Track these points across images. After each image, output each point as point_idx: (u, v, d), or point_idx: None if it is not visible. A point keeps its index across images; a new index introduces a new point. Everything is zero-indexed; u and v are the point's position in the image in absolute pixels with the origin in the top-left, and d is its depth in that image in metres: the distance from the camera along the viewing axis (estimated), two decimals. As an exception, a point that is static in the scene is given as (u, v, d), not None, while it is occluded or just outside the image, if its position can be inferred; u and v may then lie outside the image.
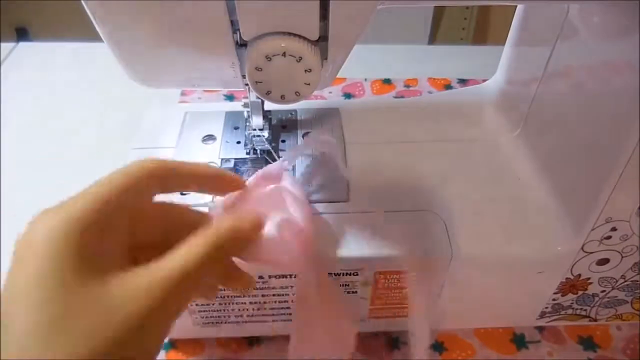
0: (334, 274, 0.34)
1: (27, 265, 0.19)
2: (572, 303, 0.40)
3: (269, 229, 0.27)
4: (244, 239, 0.25)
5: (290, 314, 0.38)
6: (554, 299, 0.39)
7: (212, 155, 0.39)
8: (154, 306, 0.19)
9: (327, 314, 0.30)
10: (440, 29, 1.46)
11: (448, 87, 0.66)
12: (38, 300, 0.18)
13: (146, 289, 0.20)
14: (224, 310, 0.37)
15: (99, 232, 0.21)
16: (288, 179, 0.32)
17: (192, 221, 0.27)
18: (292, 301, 0.36)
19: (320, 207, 0.36)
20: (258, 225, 0.26)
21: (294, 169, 0.38)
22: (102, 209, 0.21)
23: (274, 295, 0.36)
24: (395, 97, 0.64)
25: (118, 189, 0.22)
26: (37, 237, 0.19)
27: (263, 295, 0.36)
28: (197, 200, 0.34)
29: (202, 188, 0.28)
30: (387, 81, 0.67)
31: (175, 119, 0.43)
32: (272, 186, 0.32)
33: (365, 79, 0.67)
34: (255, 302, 0.37)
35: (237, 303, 0.37)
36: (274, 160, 0.35)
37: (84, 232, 0.20)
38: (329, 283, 0.32)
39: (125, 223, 0.22)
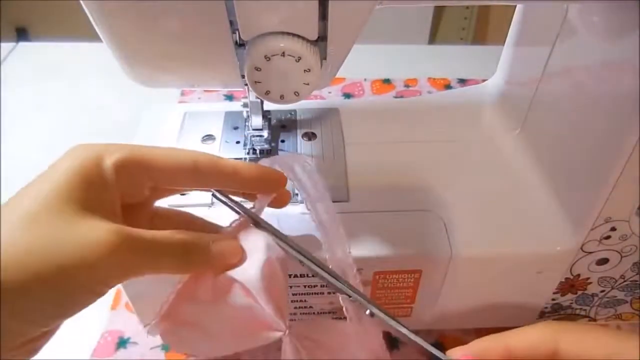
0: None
1: (43, 180, 0.23)
2: (571, 303, 0.40)
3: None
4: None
5: (290, 314, 0.38)
6: (553, 299, 0.39)
7: (212, 155, 0.39)
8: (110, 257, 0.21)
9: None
10: (440, 29, 1.46)
11: (448, 87, 0.66)
12: (28, 212, 0.21)
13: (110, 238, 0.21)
14: (224, 310, 0.37)
15: (106, 188, 0.23)
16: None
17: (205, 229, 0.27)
18: (291, 301, 0.36)
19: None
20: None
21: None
22: (132, 169, 0.24)
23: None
24: (395, 97, 0.64)
25: (160, 162, 0.25)
26: (64, 163, 0.23)
27: (263, 295, 0.36)
28: (197, 200, 0.34)
29: (244, 188, 0.28)
30: (387, 81, 0.67)
31: (175, 119, 0.43)
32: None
33: (365, 79, 0.67)
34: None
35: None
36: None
37: (92, 184, 0.22)
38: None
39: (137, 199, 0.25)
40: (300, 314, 0.37)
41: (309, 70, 0.28)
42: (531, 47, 0.41)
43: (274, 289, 0.26)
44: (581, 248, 0.35)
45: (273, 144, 0.40)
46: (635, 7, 0.28)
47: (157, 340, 0.40)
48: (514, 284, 0.37)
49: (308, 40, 0.27)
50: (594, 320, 0.42)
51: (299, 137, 0.42)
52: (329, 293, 0.36)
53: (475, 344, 0.24)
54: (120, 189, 0.24)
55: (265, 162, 0.30)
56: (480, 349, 0.23)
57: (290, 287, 0.35)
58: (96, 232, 0.21)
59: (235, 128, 0.42)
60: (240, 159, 0.39)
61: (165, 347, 0.40)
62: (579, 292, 0.39)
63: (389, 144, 0.42)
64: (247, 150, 0.40)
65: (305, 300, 0.36)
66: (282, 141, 0.41)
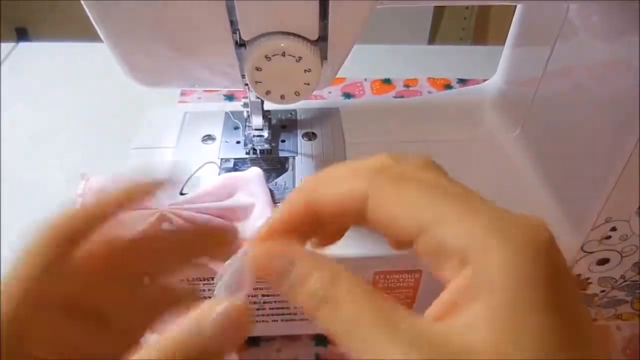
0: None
1: None
2: (572, 303, 0.40)
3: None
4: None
5: (290, 314, 0.38)
6: (553, 299, 0.39)
7: (212, 155, 0.39)
8: None
9: None
10: (440, 29, 1.46)
11: (448, 87, 0.66)
12: None
13: None
14: (224, 310, 0.37)
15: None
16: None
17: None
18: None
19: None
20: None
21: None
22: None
23: (273, 295, 0.36)
24: (395, 97, 0.64)
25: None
26: None
27: (263, 295, 0.36)
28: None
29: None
30: (387, 81, 0.67)
31: (175, 119, 0.43)
32: None
33: (365, 79, 0.67)
34: (255, 302, 0.37)
35: (237, 303, 0.37)
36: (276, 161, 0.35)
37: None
38: None
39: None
40: (300, 313, 0.37)
41: (310, 70, 0.28)
42: (531, 47, 0.41)
43: None
44: (581, 248, 0.35)
45: (273, 144, 0.40)
46: (635, 7, 0.28)
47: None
48: (514, 284, 0.37)
49: (308, 40, 0.27)
50: (595, 320, 0.42)
51: (299, 137, 0.42)
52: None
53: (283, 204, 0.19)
54: None
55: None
56: (286, 207, 0.18)
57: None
58: None
59: (236, 128, 0.42)
60: (241, 159, 0.39)
61: (165, 347, 0.40)
62: (579, 292, 0.39)
63: (389, 143, 0.42)
64: (247, 150, 0.40)
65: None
66: (283, 141, 0.41)
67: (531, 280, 0.14)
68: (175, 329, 0.16)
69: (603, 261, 0.36)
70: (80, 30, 0.51)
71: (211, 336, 0.16)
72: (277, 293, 0.35)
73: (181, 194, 0.35)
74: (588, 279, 0.37)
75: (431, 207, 0.16)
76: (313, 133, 0.42)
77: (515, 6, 0.42)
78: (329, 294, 0.15)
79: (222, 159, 0.39)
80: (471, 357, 0.13)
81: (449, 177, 0.19)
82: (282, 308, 0.37)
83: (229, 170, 0.38)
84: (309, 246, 0.20)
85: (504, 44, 0.45)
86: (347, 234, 0.34)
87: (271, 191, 0.36)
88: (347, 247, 0.33)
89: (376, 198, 0.17)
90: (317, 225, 0.18)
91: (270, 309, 0.37)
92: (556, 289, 0.15)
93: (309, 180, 0.19)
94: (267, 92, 0.30)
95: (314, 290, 0.16)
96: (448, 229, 0.16)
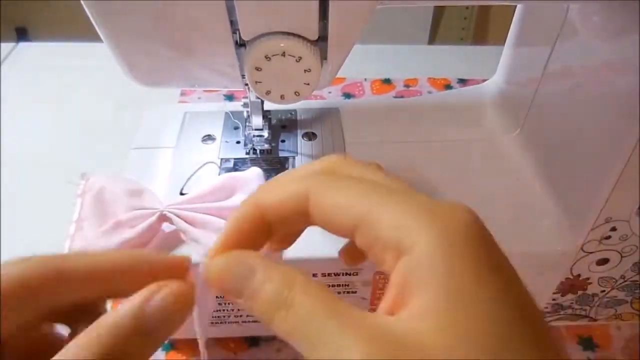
0: (334, 274, 0.34)
1: None
2: (571, 303, 0.40)
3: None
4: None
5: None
6: (553, 299, 0.39)
7: (212, 155, 0.39)
8: None
9: None
10: (440, 29, 1.46)
11: (448, 87, 0.66)
12: None
13: None
14: (224, 310, 0.37)
15: None
16: None
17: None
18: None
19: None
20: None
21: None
22: None
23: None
24: (395, 97, 0.64)
25: None
26: None
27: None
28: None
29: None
30: (387, 81, 0.67)
31: (175, 119, 0.43)
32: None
33: (365, 79, 0.67)
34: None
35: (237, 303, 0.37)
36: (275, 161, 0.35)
37: None
38: None
39: None
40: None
41: (310, 70, 0.28)
42: (531, 47, 0.41)
43: None
44: (581, 248, 0.35)
45: (273, 144, 0.40)
46: (635, 7, 0.28)
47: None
48: (514, 284, 0.37)
49: (308, 40, 0.27)
50: (595, 320, 0.42)
51: (299, 137, 0.42)
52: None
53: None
54: None
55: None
56: (234, 219, 0.19)
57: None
58: None
59: (236, 128, 0.42)
60: (241, 159, 0.39)
61: (165, 347, 0.40)
62: (579, 292, 0.39)
63: (389, 143, 0.42)
64: (247, 150, 0.40)
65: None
66: (283, 141, 0.41)
67: (459, 257, 0.15)
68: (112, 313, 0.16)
69: (603, 261, 0.36)
70: (80, 30, 0.51)
71: (150, 319, 0.16)
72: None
73: (181, 194, 0.35)
74: (588, 279, 0.37)
75: (365, 200, 0.17)
76: (313, 133, 0.42)
77: (515, 6, 0.42)
78: (286, 297, 0.16)
79: (222, 159, 0.39)
80: (421, 351, 0.14)
81: (392, 177, 0.20)
82: (282, 308, 0.37)
83: (229, 170, 0.38)
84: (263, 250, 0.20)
85: (504, 44, 0.45)
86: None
87: None
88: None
89: (316, 195, 0.18)
90: (268, 232, 0.19)
91: (270, 309, 0.37)
92: (486, 257, 0.16)
93: (254, 191, 0.19)
94: (267, 92, 0.30)
95: (271, 296, 0.16)
96: (382, 222, 0.16)
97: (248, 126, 0.40)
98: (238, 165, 0.39)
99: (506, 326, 0.14)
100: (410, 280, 0.15)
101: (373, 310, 0.17)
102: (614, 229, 0.33)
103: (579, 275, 0.37)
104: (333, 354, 0.14)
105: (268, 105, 0.39)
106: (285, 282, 0.16)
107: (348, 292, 0.36)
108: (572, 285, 0.38)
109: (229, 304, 0.37)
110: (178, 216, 0.31)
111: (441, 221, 0.16)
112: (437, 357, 0.14)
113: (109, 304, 0.19)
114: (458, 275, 0.15)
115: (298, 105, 0.38)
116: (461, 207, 0.17)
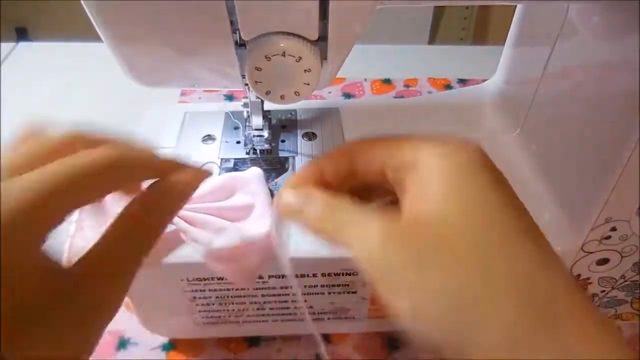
0: (334, 274, 0.34)
1: None
2: (572, 303, 0.40)
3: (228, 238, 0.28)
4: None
5: (290, 314, 0.38)
6: (553, 299, 0.39)
7: (212, 155, 0.39)
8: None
9: None
10: (440, 29, 1.46)
11: (448, 87, 0.66)
12: None
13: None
14: (224, 310, 0.37)
15: None
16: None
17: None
18: (292, 301, 0.36)
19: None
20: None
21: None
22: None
23: (273, 295, 0.36)
24: (395, 97, 0.64)
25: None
26: None
27: (263, 295, 0.36)
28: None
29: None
30: (387, 81, 0.67)
31: (175, 119, 0.43)
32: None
33: (365, 79, 0.67)
34: (255, 302, 0.37)
35: (237, 303, 0.37)
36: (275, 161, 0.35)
37: None
38: None
39: None
40: (300, 314, 0.37)
41: (310, 70, 0.28)
42: (531, 47, 0.41)
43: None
44: (581, 248, 0.35)
45: (273, 144, 0.40)
46: (635, 7, 0.28)
47: (158, 340, 0.40)
48: (514, 284, 0.37)
49: (308, 40, 0.27)
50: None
51: (299, 137, 0.42)
52: (329, 293, 0.36)
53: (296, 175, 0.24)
54: None
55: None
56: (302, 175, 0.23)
57: (289, 287, 0.35)
58: None
59: (236, 128, 0.42)
60: (241, 159, 0.39)
61: (165, 347, 0.40)
62: (579, 292, 0.39)
63: (389, 144, 0.42)
64: (247, 150, 0.40)
65: (305, 301, 0.36)
66: (283, 141, 0.41)
67: (464, 175, 0.21)
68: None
69: (603, 261, 0.36)
70: (80, 30, 0.51)
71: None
72: (276, 293, 0.36)
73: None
74: (588, 279, 0.37)
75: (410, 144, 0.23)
76: (313, 133, 0.42)
77: (515, 6, 0.42)
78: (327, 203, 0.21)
79: (222, 159, 0.39)
80: (430, 226, 0.19)
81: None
82: (282, 308, 0.37)
83: (229, 170, 0.38)
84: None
85: (504, 44, 0.45)
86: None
87: (271, 191, 0.36)
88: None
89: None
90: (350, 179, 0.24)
91: (270, 309, 0.37)
92: (488, 176, 0.22)
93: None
94: (267, 92, 0.30)
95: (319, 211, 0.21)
96: (405, 149, 0.22)
97: (248, 126, 0.40)
98: (238, 165, 0.39)
99: (505, 215, 0.20)
100: (418, 189, 0.20)
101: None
102: (614, 229, 0.34)
103: (579, 275, 0.37)
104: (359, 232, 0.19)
105: (268, 105, 0.39)
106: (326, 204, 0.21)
107: (348, 292, 0.36)
108: (572, 285, 0.38)
109: (229, 304, 0.37)
110: (178, 216, 0.31)
111: (451, 147, 0.22)
112: (444, 228, 0.18)
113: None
114: (462, 187, 0.20)
115: (298, 105, 0.38)
116: (471, 143, 0.23)
